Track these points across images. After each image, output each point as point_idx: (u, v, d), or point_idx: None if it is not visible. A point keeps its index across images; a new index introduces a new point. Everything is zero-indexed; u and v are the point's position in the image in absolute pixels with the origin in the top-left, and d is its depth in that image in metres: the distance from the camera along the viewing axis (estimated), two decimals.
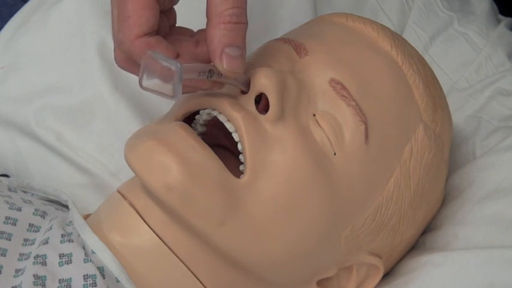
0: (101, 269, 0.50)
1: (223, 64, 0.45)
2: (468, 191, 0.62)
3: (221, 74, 0.47)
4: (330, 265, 0.54)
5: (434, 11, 0.79)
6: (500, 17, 0.83)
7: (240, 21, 0.45)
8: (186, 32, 0.52)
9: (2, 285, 0.48)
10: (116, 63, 0.49)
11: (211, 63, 0.46)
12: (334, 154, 0.51)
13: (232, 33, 0.45)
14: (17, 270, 0.49)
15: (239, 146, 0.49)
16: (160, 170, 0.48)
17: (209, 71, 0.46)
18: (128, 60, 0.48)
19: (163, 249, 0.50)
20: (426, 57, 0.68)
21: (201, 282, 0.51)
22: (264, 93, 0.49)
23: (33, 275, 0.48)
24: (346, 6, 0.76)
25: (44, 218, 0.55)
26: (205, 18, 0.46)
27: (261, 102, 0.50)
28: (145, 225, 0.51)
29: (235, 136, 0.49)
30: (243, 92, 0.50)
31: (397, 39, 0.58)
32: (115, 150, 0.67)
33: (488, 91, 0.71)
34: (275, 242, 0.50)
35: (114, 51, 0.48)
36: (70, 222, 0.54)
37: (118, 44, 0.46)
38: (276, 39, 0.57)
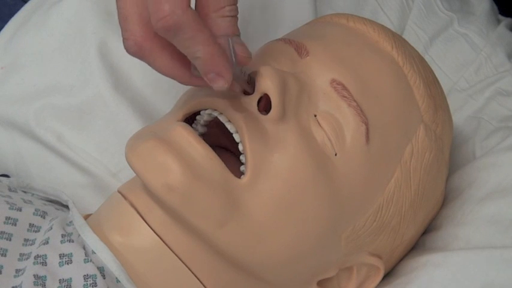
0: (101, 269, 0.50)
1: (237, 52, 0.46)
2: (468, 191, 0.62)
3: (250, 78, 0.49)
4: (330, 265, 0.54)
5: (434, 11, 0.79)
6: (500, 17, 0.82)
7: (235, 14, 0.46)
8: None
9: (3, 285, 0.48)
10: (133, 46, 0.44)
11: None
12: (335, 155, 0.51)
13: (233, 23, 0.45)
14: (17, 270, 0.49)
15: (240, 147, 0.49)
16: (161, 170, 0.47)
17: (244, 73, 0.47)
18: (155, 40, 0.44)
19: (164, 249, 0.50)
20: (426, 58, 0.68)
21: (201, 282, 0.51)
22: (264, 94, 0.49)
23: (34, 275, 0.48)
24: (346, 7, 0.76)
25: (44, 218, 0.55)
26: None
27: (261, 102, 0.50)
28: (146, 225, 0.51)
29: (236, 137, 0.49)
30: (245, 93, 0.50)
31: (398, 39, 0.58)
32: (115, 151, 0.66)
33: (488, 92, 0.71)
34: (275, 243, 0.50)
35: (130, 37, 0.44)
36: (70, 222, 0.54)
37: (160, 17, 0.40)
38: (276, 39, 0.57)
